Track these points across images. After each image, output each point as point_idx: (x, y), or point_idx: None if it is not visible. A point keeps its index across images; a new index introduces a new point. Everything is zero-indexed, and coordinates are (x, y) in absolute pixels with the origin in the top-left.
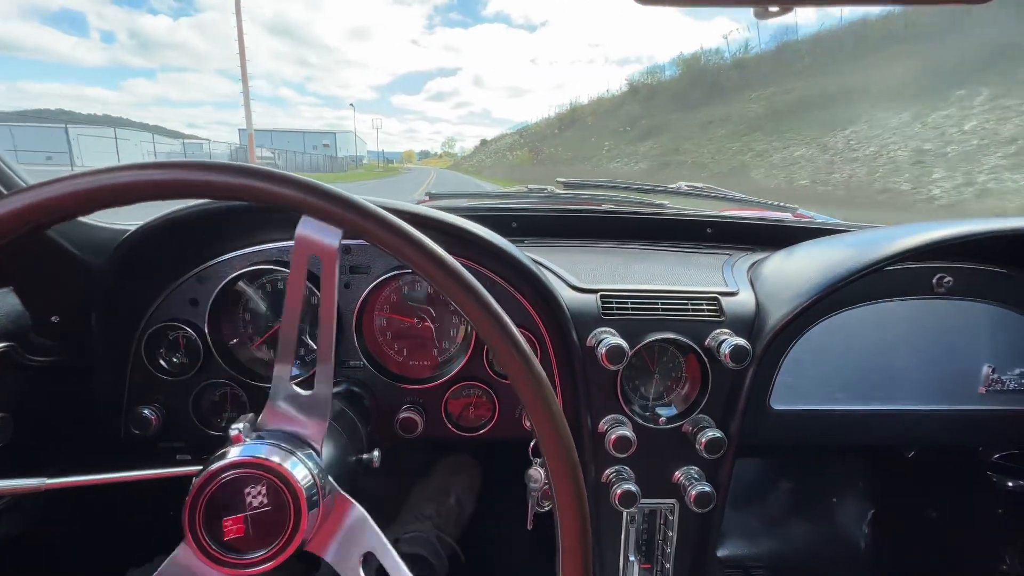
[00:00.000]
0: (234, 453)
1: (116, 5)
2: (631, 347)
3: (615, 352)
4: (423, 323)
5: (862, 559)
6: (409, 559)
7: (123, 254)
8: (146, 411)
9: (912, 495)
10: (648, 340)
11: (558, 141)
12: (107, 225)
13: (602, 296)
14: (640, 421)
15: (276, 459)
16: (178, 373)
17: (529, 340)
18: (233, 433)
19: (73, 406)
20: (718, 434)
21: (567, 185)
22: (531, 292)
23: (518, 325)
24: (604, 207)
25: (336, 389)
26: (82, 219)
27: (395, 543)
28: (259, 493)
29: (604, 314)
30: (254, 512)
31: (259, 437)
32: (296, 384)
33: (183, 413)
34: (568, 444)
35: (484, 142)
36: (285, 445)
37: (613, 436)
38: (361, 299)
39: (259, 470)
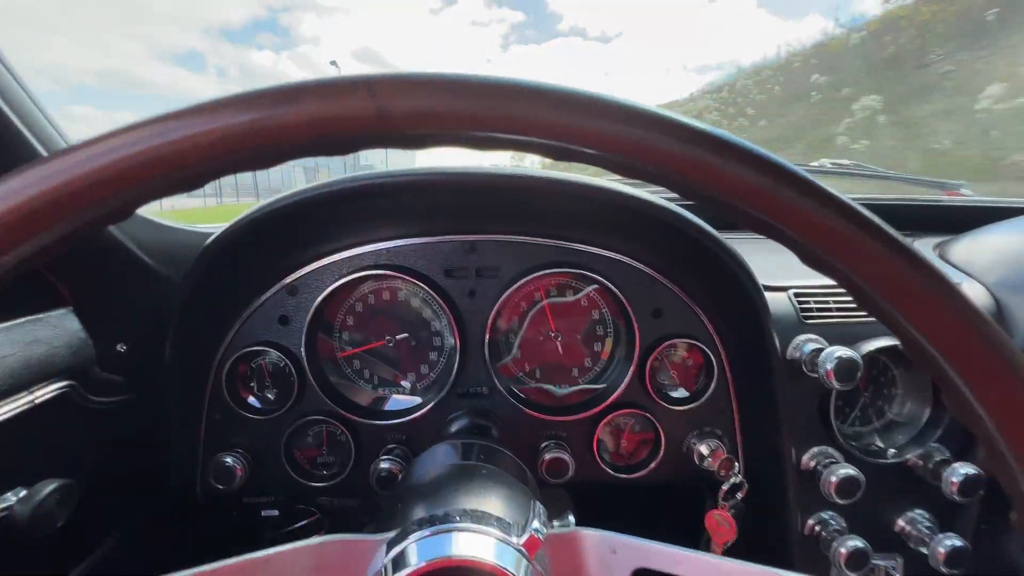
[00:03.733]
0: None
1: (229, 43)
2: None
3: (847, 368)
4: (561, 338)
5: None
6: None
7: (208, 262)
8: (228, 459)
9: None
10: (869, 350)
11: None
12: (184, 227)
13: (796, 294)
14: (859, 455)
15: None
16: (267, 410)
17: (694, 357)
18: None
19: (141, 458)
20: (971, 470)
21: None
22: (720, 288)
23: (678, 336)
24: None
25: (456, 426)
26: (153, 218)
27: None
28: None
29: (804, 317)
30: None
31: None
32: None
33: (273, 460)
34: None
35: None
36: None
37: (835, 478)
38: (494, 311)
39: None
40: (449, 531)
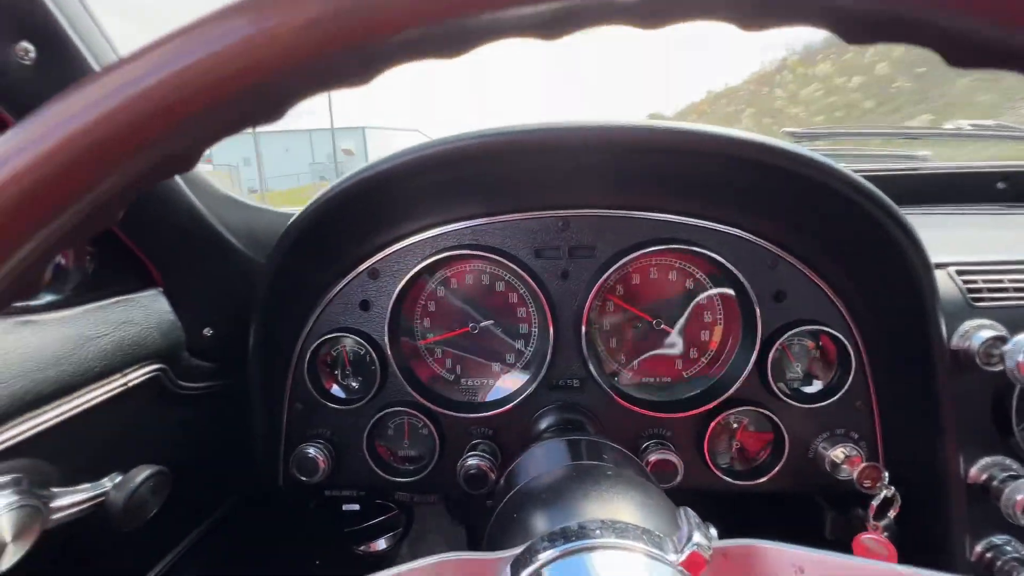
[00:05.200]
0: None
1: None
2: None
3: None
4: (664, 324)
5: None
6: None
7: (290, 243)
8: (311, 450)
9: None
10: None
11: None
12: (271, 208)
13: (960, 271)
14: None
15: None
16: (349, 400)
17: (826, 348)
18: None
19: (227, 448)
20: None
21: (795, 136)
22: (867, 265)
23: (805, 323)
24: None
25: (545, 422)
26: (240, 198)
27: None
28: None
29: (972, 300)
30: None
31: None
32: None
33: (355, 452)
34: None
35: None
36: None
37: (1021, 495)
38: (593, 293)
39: None
40: (587, 548)
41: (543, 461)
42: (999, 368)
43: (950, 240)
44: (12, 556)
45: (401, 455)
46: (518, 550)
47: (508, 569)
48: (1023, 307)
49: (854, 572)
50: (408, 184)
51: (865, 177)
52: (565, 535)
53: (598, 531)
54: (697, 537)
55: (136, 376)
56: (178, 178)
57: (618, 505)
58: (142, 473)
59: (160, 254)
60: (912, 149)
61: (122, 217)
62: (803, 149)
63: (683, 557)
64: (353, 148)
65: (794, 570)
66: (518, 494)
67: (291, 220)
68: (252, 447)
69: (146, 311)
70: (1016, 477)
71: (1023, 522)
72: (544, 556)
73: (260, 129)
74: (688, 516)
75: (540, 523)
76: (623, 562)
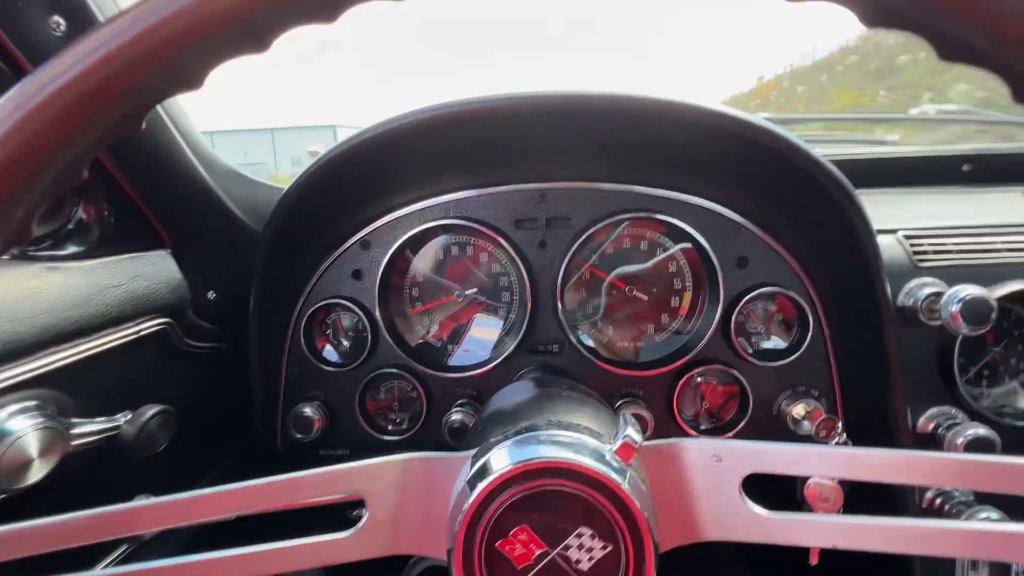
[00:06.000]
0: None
1: None
2: None
3: (977, 307)
4: (636, 291)
5: None
6: None
7: (285, 213)
8: (308, 410)
9: None
10: (1002, 294)
11: None
12: (271, 184)
13: (907, 236)
14: (990, 415)
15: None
16: (342, 364)
17: (786, 310)
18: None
19: (229, 406)
20: None
21: (771, 122)
22: (819, 232)
23: (766, 285)
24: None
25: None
26: (244, 172)
27: None
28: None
29: (918, 261)
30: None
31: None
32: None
33: (348, 412)
34: None
35: None
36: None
37: (962, 439)
38: (566, 261)
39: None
40: (536, 439)
41: (509, 393)
42: (939, 322)
43: (909, 213)
44: (38, 472)
45: (391, 416)
46: (477, 448)
47: (468, 462)
48: (965, 266)
49: (767, 454)
50: (394, 154)
51: (837, 161)
52: (517, 432)
53: (545, 426)
54: (630, 431)
55: (146, 327)
56: (188, 151)
57: (566, 410)
58: (151, 410)
59: (169, 217)
60: (882, 134)
61: (135, 180)
62: (758, 118)
63: (617, 445)
64: (322, 150)
65: (713, 459)
66: (484, 416)
67: (286, 189)
68: (251, 407)
69: (157, 269)
70: (959, 424)
71: None
72: (498, 447)
73: (216, 128)
74: (626, 418)
75: (498, 429)
76: (565, 443)
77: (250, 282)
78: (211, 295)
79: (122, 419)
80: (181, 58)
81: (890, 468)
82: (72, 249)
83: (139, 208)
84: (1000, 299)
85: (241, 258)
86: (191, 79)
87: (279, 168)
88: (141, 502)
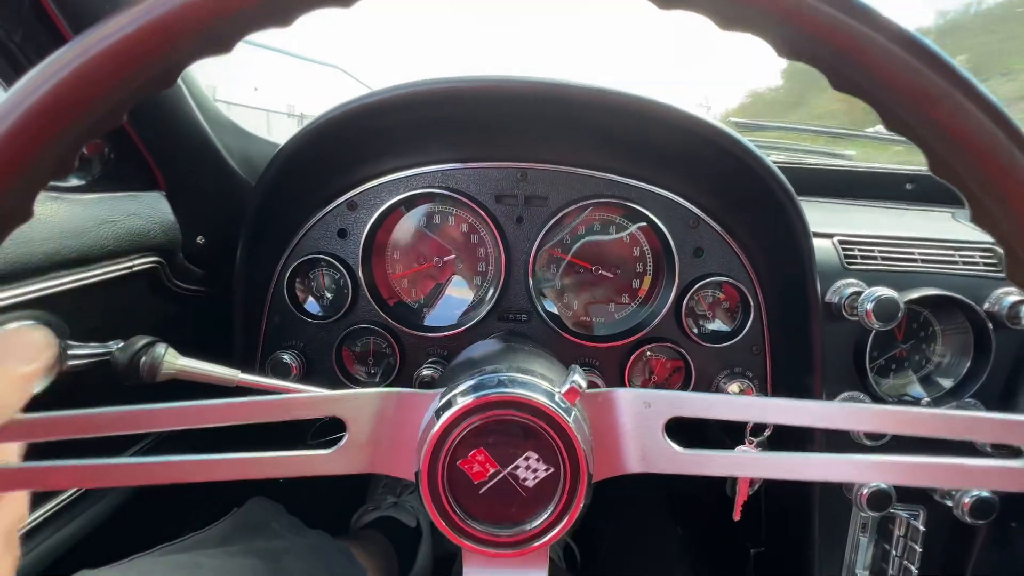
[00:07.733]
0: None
1: None
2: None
3: (886, 306)
4: (601, 271)
5: None
6: None
7: (278, 169)
8: (285, 356)
9: None
10: (912, 298)
11: None
12: (266, 139)
13: (841, 241)
14: (891, 402)
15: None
16: (322, 316)
17: (731, 299)
18: None
19: (210, 349)
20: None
21: (739, 126)
22: (767, 231)
23: (717, 274)
24: (774, 157)
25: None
26: (241, 125)
27: None
28: None
29: (848, 263)
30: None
31: None
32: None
33: (325, 363)
34: None
35: None
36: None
37: None
38: (540, 237)
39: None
40: (496, 380)
41: (479, 346)
42: (857, 318)
43: (847, 222)
44: (36, 385)
45: (366, 368)
46: (444, 387)
47: (437, 397)
48: (885, 271)
49: (688, 400)
50: (386, 123)
51: (791, 169)
52: (482, 373)
53: (505, 371)
54: (577, 378)
55: (139, 263)
56: (190, 99)
57: (526, 360)
58: (142, 340)
59: (165, 160)
60: (841, 148)
61: (137, 122)
62: (722, 124)
63: (564, 389)
64: None
65: (644, 404)
66: (454, 364)
67: (281, 146)
68: (233, 351)
69: (151, 209)
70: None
71: (864, 442)
72: (462, 384)
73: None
74: (575, 368)
75: (465, 374)
76: (521, 382)
77: (239, 231)
78: (200, 240)
79: (114, 346)
80: (215, 27)
81: (787, 412)
82: (74, 182)
83: (138, 149)
84: (910, 302)
85: (232, 207)
86: (223, 45)
87: None
88: (163, 405)
